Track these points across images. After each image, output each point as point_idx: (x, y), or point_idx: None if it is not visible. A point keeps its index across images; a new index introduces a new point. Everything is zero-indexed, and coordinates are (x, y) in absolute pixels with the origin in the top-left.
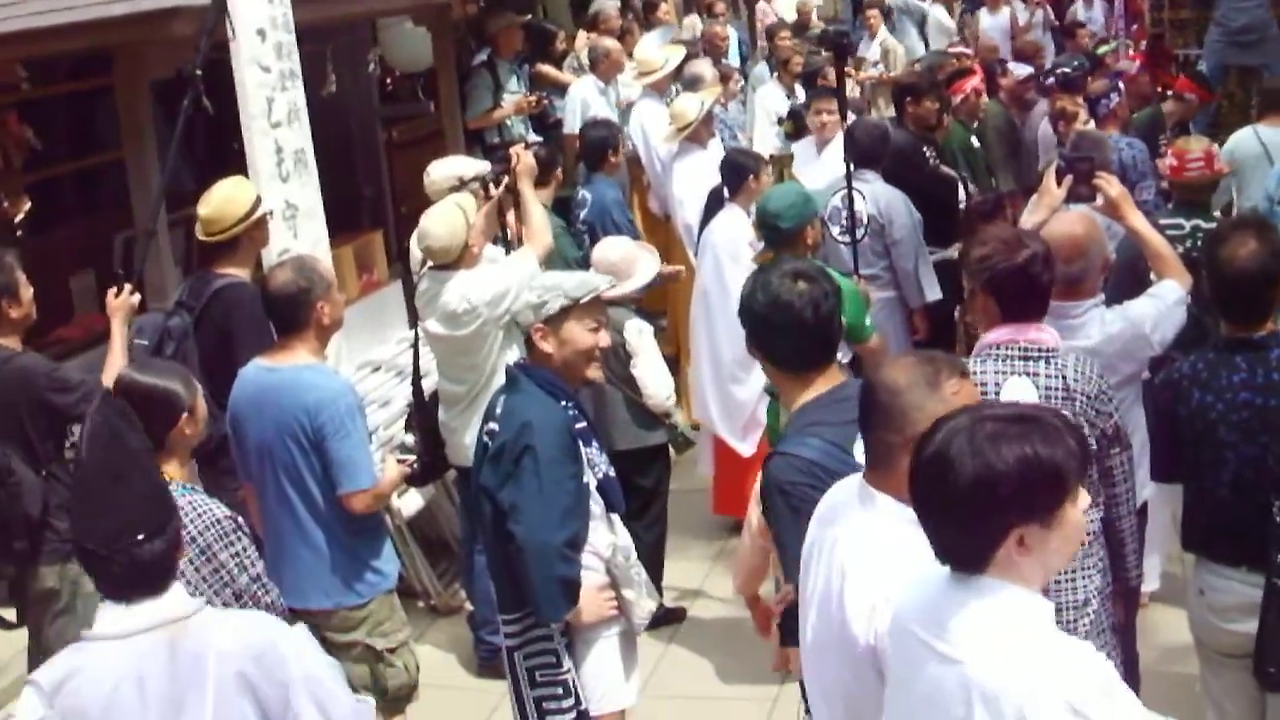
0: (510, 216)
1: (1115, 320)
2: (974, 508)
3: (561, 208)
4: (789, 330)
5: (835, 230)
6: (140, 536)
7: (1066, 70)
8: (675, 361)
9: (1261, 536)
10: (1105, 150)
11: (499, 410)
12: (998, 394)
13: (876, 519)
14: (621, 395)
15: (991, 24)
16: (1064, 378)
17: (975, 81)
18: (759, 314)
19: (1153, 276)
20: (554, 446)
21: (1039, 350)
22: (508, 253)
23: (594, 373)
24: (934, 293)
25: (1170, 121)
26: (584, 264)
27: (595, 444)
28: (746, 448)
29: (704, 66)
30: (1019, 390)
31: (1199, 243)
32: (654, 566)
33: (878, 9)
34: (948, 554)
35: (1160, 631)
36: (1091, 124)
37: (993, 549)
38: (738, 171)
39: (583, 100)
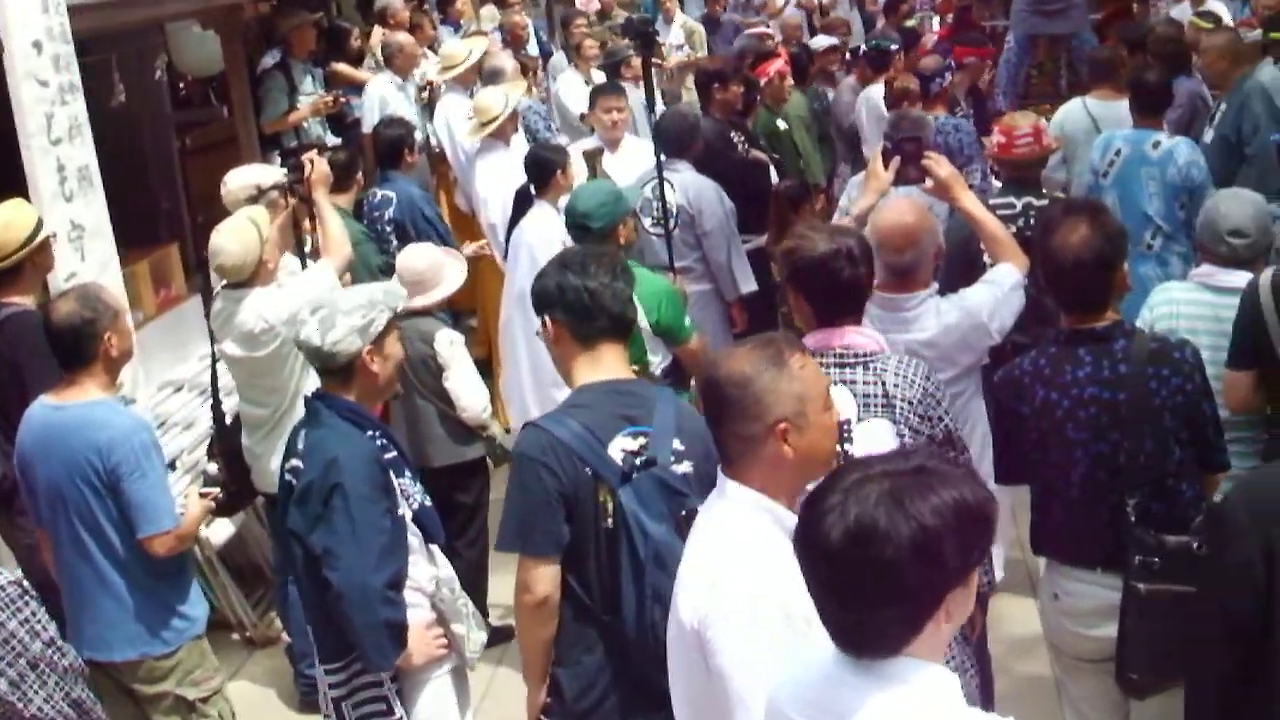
0: (309, 226)
1: (951, 310)
2: (915, 579)
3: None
4: (581, 294)
5: (648, 222)
6: None
7: (879, 45)
8: (487, 364)
9: (1116, 536)
10: (926, 131)
11: (301, 445)
12: None
13: (727, 507)
14: (435, 409)
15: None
16: (883, 383)
17: (779, 64)
18: (551, 287)
19: (987, 260)
20: (364, 483)
21: (855, 355)
22: (305, 266)
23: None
24: (748, 284)
25: (960, 91)
26: (389, 269)
27: (407, 473)
28: None
29: (504, 59)
30: (836, 401)
31: (1031, 221)
32: (478, 586)
33: None
34: (863, 640)
35: (1006, 623)
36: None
37: (923, 623)
38: (542, 167)
39: (380, 98)
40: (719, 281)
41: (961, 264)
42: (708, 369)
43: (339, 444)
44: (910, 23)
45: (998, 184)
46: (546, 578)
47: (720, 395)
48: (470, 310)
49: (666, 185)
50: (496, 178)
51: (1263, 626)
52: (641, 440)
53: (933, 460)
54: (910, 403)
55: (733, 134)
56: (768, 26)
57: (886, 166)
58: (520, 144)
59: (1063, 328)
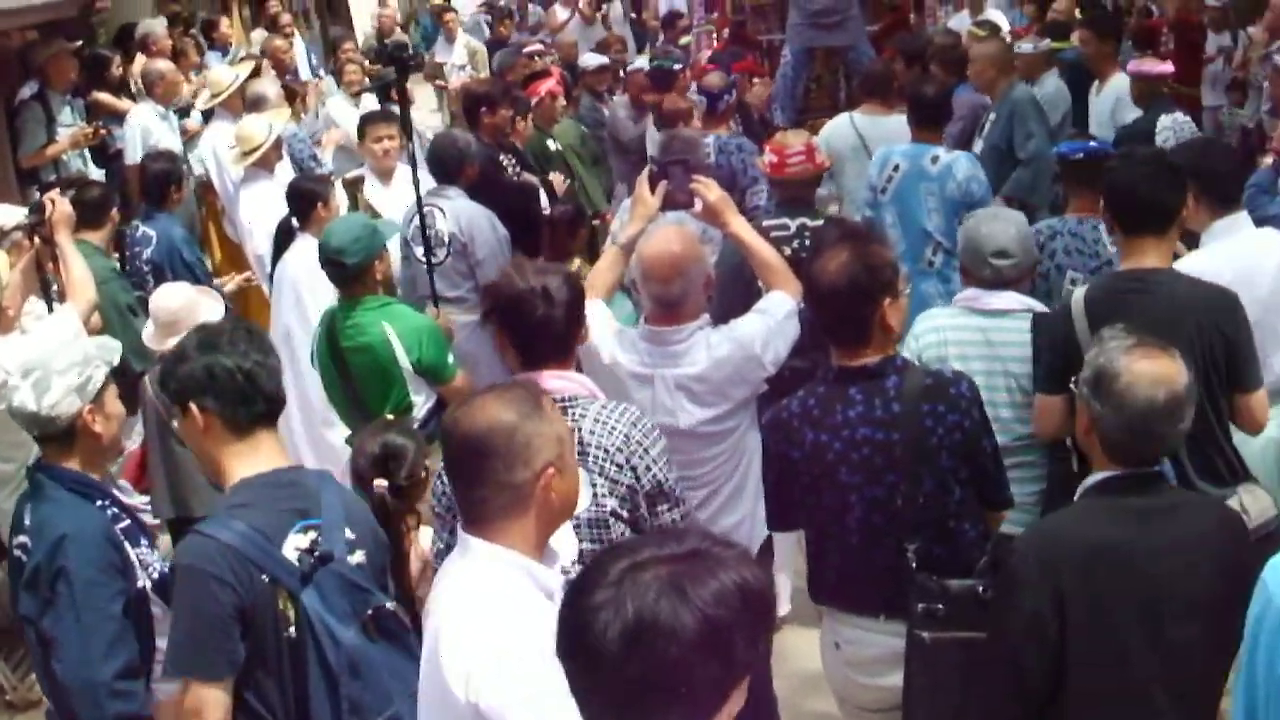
0: (53, 268)
1: (722, 343)
2: (703, 676)
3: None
4: (235, 376)
5: (419, 251)
6: None
7: (662, 64)
8: None
9: (897, 582)
10: (697, 152)
11: (27, 521)
12: None
13: (481, 570)
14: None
15: (566, 16)
16: (579, 430)
17: (551, 84)
18: (198, 371)
19: (760, 285)
20: (92, 564)
21: (553, 400)
22: (51, 309)
23: None
24: None
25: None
26: (143, 306)
27: (144, 541)
28: None
29: (267, 85)
30: None
31: (807, 243)
32: None
33: (454, 12)
34: None
35: (792, 659)
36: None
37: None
38: (304, 198)
39: (143, 128)
40: None
41: (737, 290)
42: (460, 422)
43: (66, 520)
44: (686, 40)
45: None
46: (219, 702)
47: (482, 445)
48: None
49: (436, 212)
50: (261, 207)
51: (1053, 680)
52: (314, 535)
53: (705, 541)
54: (607, 450)
55: (503, 157)
56: (546, 45)
57: (653, 190)
58: (286, 172)
59: (832, 365)
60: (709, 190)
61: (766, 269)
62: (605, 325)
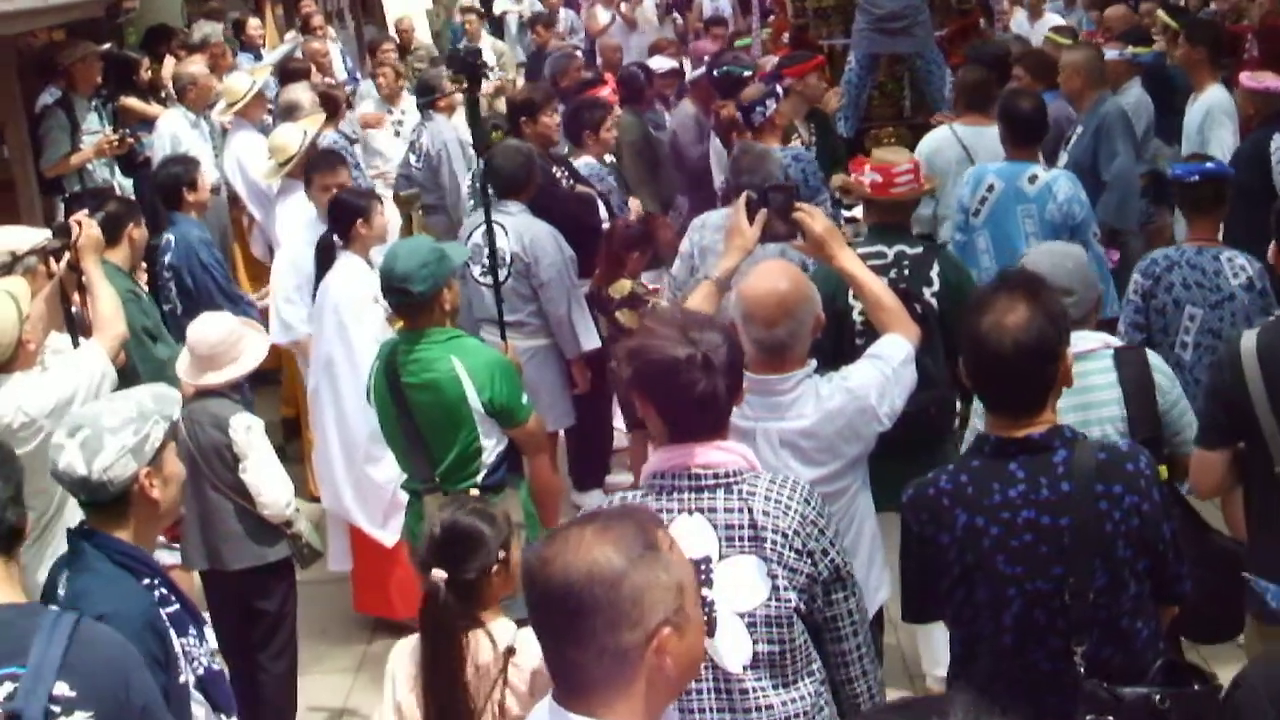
0: (78, 299)
1: (834, 393)
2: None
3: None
4: None
5: (477, 270)
6: None
7: (731, 71)
8: (296, 425)
9: (1059, 689)
10: (769, 166)
11: (62, 593)
12: None
13: None
14: (231, 505)
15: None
16: (750, 510)
17: (608, 91)
18: None
19: (856, 316)
20: None
21: (715, 476)
22: (76, 343)
23: None
24: (591, 340)
25: (798, 115)
26: (170, 323)
27: (192, 630)
28: (388, 536)
29: (299, 92)
30: (689, 533)
31: (906, 272)
32: (287, 702)
33: (474, 13)
34: None
35: None
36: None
37: None
38: (346, 213)
39: (172, 135)
40: (558, 336)
41: (827, 323)
42: (549, 565)
43: (107, 600)
44: (742, 43)
45: (845, 215)
46: None
47: (579, 599)
48: (274, 367)
49: (498, 231)
50: (299, 222)
51: None
52: (10, 686)
53: None
54: (785, 534)
55: (555, 169)
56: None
57: (751, 219)
58: None
59: (988, 434)
60: (814, 220)
61: (879, 309)
62: None
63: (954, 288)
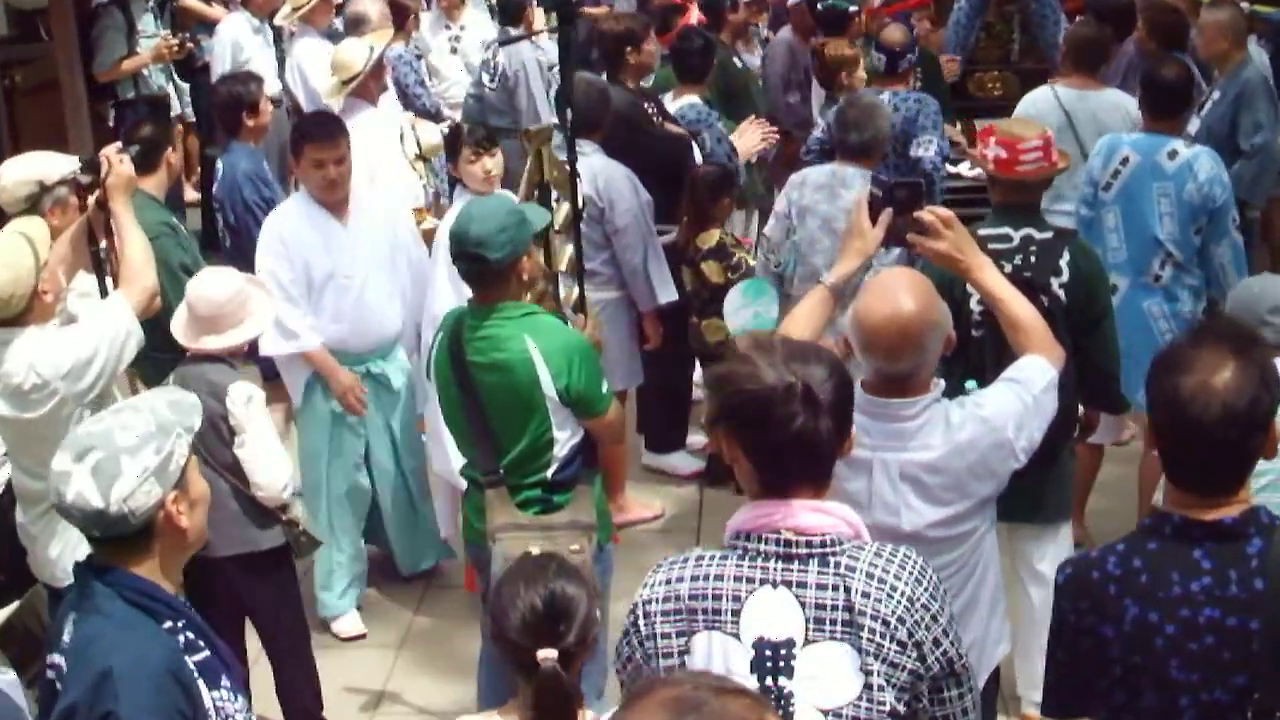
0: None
1: (966, 422)
2: None
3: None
4: None
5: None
6: None
7: (836, 5)
8: None
9: None
10: (879, 121)
11: (66, 637)
12: (737, 614)
13: None
14: (226, 485)
15: None
16: (846, 589)
17: (694, 16)
18: None
19: (975, 305)
20: (148, 712)
21: (808, 544)
22: (104, 291)
23: None
24: (668, 293)
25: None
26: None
27: (227, 682)
28: None
29: (368, 3)
30: (771, 609)
31: (1033, 260)
32: (304, 697)
33: None
34: None
35: None
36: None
37: None
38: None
39: (234, 42)
40: (631, 288)
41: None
42: None
43: (118, 649)
44: None
45: (949, 170)
46: None
47: None
48: None
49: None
50: (364, 145)
51: None
52: None
53: None
54: (886, 622)
55: (648, 105)
56: None
57: (874, 219)
58: (391, 105)
59: (1171, 513)
60: (946, 227)
61: (1018, 330)
62: None
63: (1086, 279)
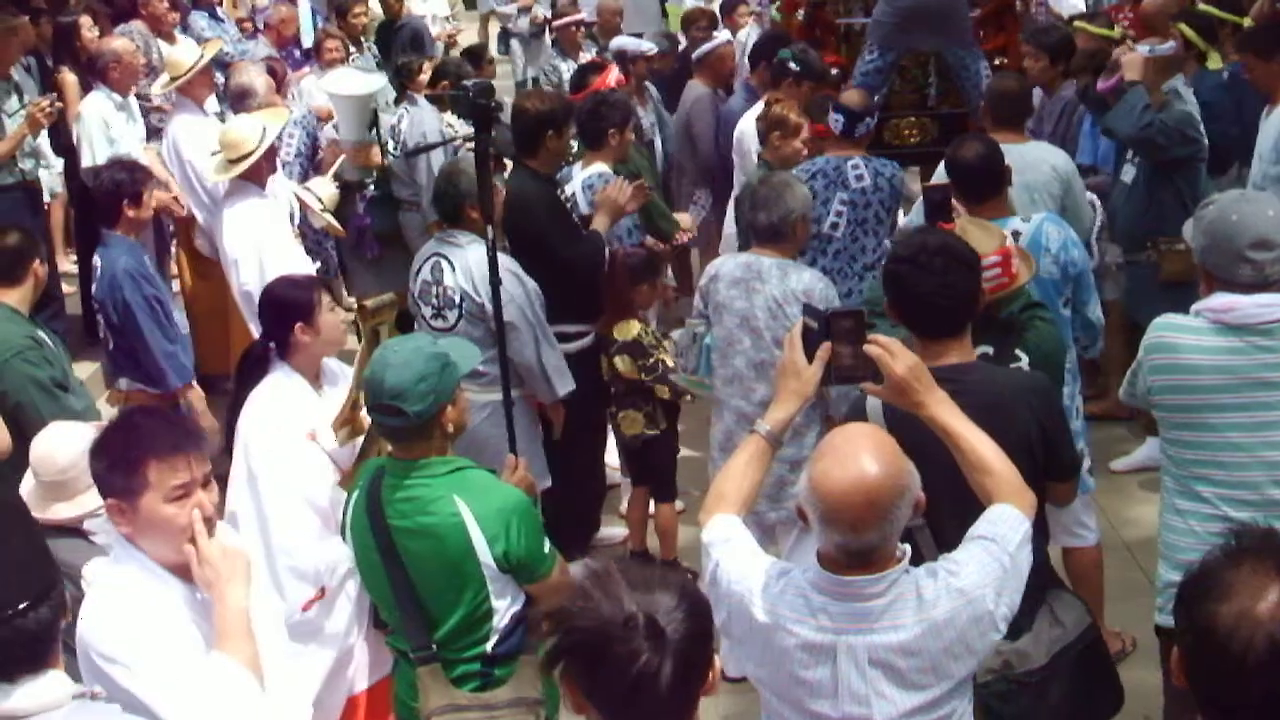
0: None
1: (940, 596)
2: None
3: None
4: None
5: (427, 312)
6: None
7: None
8: None
9: None
10: (789, 202)
11: None
12: None
13: None
14: None
15: None
16: None
17: (613, 77)
18: None
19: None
20: None
21: None
22: None
23: None
24: (565, 384)
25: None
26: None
27: None
28: None
29: (253, 74)
30: None
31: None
32: None
33: None
34: None
35: None
36: None
37: None
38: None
39: (101, 121)
40: (529, 384)
41: None
42: None
43: None
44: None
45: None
46: None
47: None
48: (223, 373)
49: (444, 264)
50: (251, 232)
51: None
52: None
53: None
54: None
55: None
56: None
57: (810, 354)
58: (282, 185)
59: None
60: (896, 358)
61: (982, 472)
62: (750, 560)
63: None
